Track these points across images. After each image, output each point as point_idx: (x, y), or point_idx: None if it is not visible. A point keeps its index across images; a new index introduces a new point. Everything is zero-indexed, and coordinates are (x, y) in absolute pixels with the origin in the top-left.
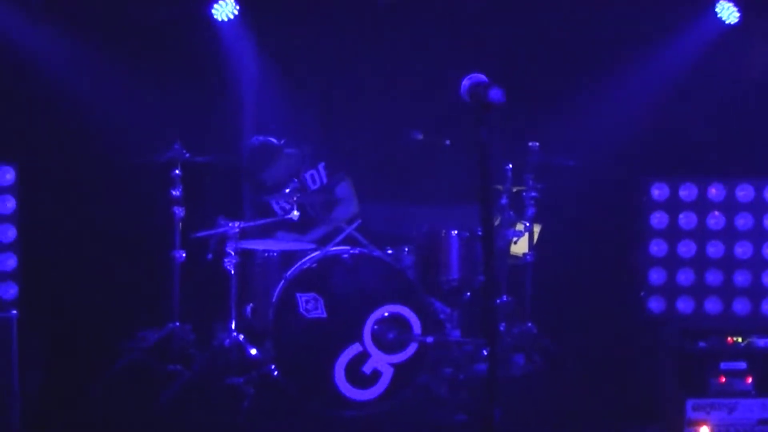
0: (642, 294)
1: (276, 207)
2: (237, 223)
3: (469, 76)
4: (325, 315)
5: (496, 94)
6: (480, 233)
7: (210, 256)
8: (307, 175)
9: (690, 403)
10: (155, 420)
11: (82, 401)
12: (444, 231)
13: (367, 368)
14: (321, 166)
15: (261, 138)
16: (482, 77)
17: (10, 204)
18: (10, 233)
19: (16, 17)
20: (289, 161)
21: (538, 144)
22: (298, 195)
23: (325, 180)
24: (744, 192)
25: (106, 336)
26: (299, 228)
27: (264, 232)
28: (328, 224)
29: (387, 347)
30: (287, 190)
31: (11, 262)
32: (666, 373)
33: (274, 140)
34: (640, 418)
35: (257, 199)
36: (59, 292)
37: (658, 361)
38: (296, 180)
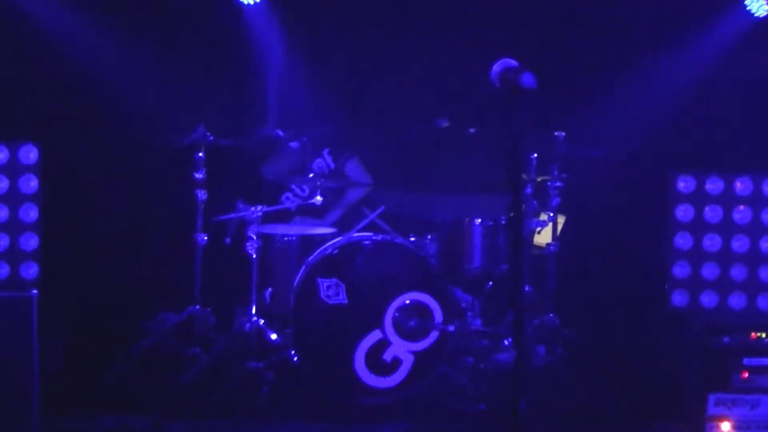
0: (666, 287)
1: (287, 202)
2: (258, 208)
3: (499, 61)
4: (346, 301)
5: (527, 79)
6: (503, 222)
7: (228, 240)
8: (314, 164)
9: (712, 398)
10: (174, 402)
11: (101, 382)
12: (467, 220)
13: (387, 356)
14: (325, 152)
15: (264, 131)
16: (513, 62)
17: (33, 183)
18: (32, 213)
19: None
20: (291, 156)
21: (563, 134)
22: (321, 180)
23: (332, 165)
24: None
25: (126, 318)
26: (316, 213)
27: (281, 218)
28: (343, 207)
29: (408, 335)
30: (311, 175)
31: (32, 241)
32: (688, 367)
33: (279, 133)
34: (661, 411)
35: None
36: (80, 273)
37: (681, 355)
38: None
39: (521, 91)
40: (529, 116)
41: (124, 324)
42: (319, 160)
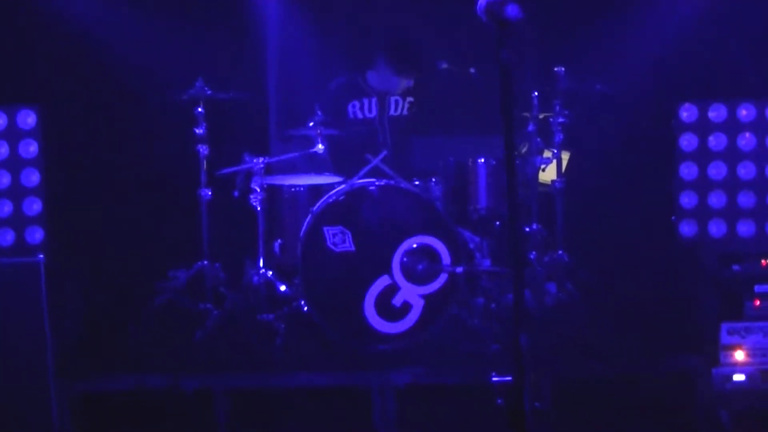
0: (673, 218)
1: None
2: (262, 159)
3: None
4: (353, 248)
5: (512, 10)
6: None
7: (237, 193)
8: (392, 100)
9: (725, 327)
10: (189, 358)
11: (115, 342)
12: (471, 160)
13: (397, 301)
14: (408, 99)
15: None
16: None
17: (33, 148)
18: (34, 177)
19: None
20: (399, 79)
21: (564, 69)
22: (321, 128)
23: (405, 113)
24: None
25: (135, 277)
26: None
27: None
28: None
29: (416, 279)
30: (311, 124)
31: (36, 206)
32: (700, 297)
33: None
34: (675, 343)
35: (283, 134)
36: (86, 235)
37: (692, 285)
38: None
39: (508, 24)
40: (529, 51)
41: (135, 283)
42: (398, 98)
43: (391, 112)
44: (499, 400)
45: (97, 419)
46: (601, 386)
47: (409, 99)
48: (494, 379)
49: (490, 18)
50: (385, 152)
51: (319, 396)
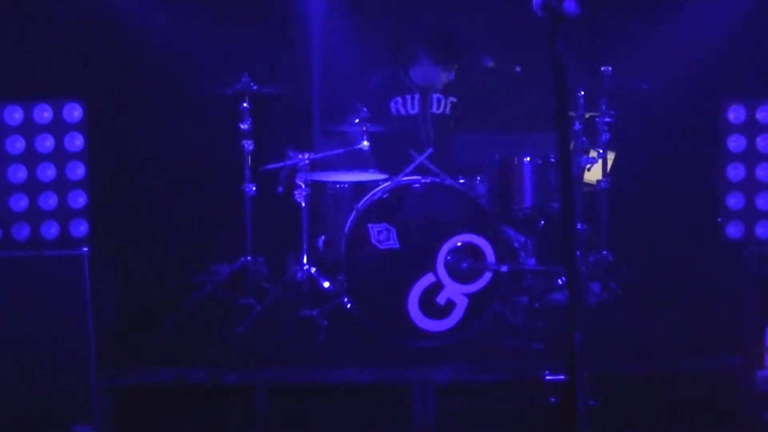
0: (719, 219)
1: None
2: (307, 155)
3: None
4: (397, 246)
5: (570, 5)
6: (553, 160)
7: (281, 189)
8: (435, 97)
9: None
10: (229, 353)
11: (155, 335)
12: (516, 158)
13: (440, 299)
14: (450, 99)
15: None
16: None
17: (78, 141)
18: (79, 170)
19: None
20: (440, 71)
21: (610, 68)
22: (367, 125)
23: (447, 112)
24: None
25: (178, 271)
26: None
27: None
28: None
29: (460, 277)
30: (356, 120)
31: (81, 199)
32: (745, 299)
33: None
34: (718, 344)
35: (326, 130)
36: (130, 228)
37: (737, 287)
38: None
39: (564, 19)
40: (575, 51)
41: (177, 277)
42: (440, 97)
43: (434, 109)
44: (552, 398)
45: (136, 412)
46: (643, 385)
47: (452, 99)
48: (547, 377)
49: (547, 13)
50: (430, 150)
51: (359, 393)
